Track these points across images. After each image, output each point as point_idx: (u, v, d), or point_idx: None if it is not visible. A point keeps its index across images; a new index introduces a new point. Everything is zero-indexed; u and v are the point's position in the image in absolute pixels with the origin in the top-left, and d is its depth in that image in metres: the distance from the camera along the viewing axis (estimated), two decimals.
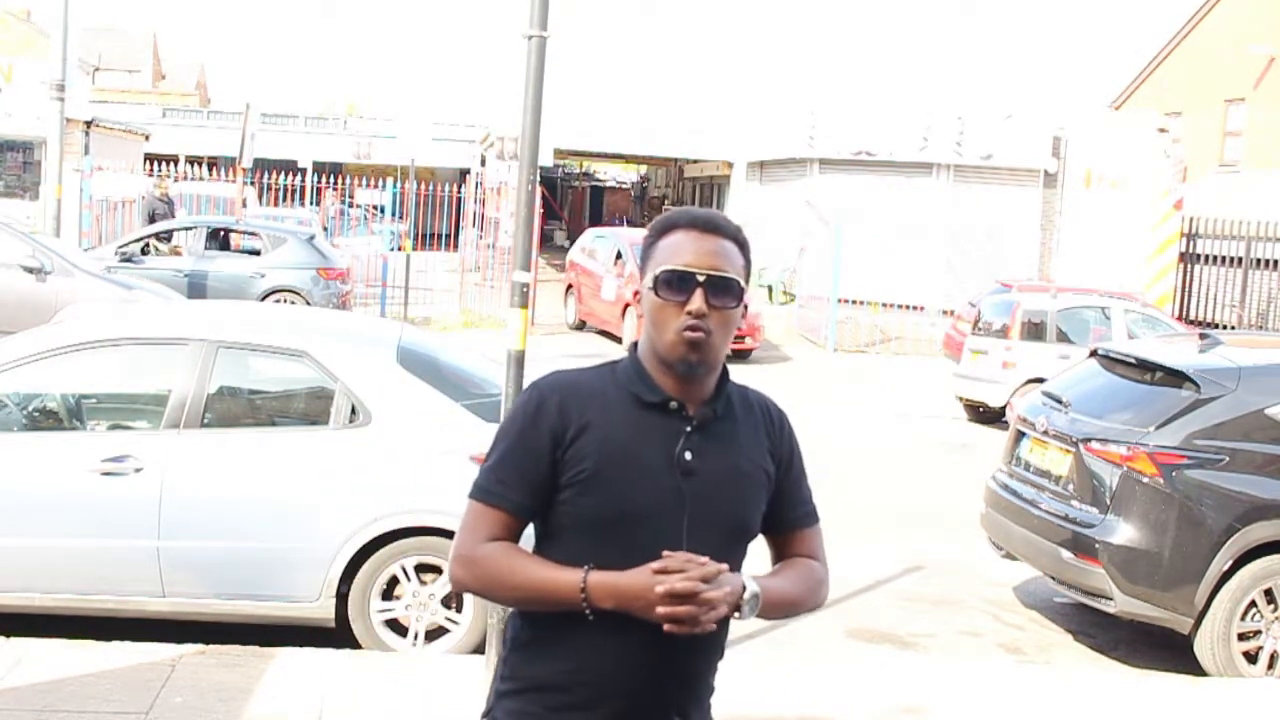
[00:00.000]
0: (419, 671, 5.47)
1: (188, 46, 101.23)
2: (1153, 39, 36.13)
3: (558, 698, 2.21)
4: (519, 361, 5.00)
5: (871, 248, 23.67)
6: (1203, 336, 7.59)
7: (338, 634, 5.78)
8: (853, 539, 8.94)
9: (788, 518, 2.40)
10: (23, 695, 4.84)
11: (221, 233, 17.45)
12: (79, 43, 21.67)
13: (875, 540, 8.92)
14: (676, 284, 2.22)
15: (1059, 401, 7.19)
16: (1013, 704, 5.71)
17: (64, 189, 17.85)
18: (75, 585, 5.62)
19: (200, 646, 5.47)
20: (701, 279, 2.22)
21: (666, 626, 2.09)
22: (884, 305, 22.54)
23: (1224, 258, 21.64)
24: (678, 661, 2.21)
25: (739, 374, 2.42)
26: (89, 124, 23.59)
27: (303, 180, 27.52)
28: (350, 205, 30.38)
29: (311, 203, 28.10)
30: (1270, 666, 6.37)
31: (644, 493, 2.19)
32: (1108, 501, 6.48)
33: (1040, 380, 10.54)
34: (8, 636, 5.42)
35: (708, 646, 2.25)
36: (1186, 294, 22.57)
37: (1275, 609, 6.38)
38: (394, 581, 5.78)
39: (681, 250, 2.25)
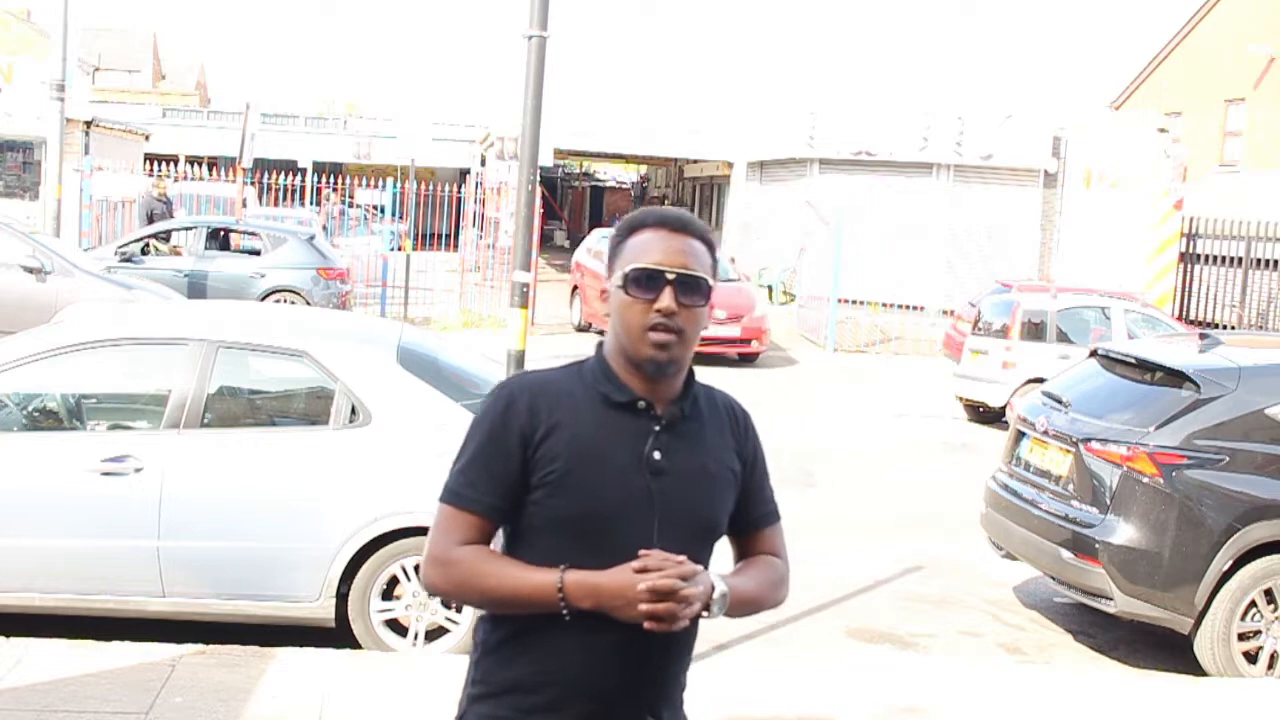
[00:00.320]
0: (419, 671, 5.46)
1: (188, 46, 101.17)
2: (1153, 39, 36.17)
3: (530, 700, 2.21)
4: (519, 361, 5.02)
5: (871, 248, 23.68)
6: (1203, 336, 7.58)
7: (338, 634, 5.78)
8: (853, 539, 8.95)
9: (752, 517, 2.42)
10: (23, 695, 4.83)
11: (221, 233, 17.45)
12: (79, 43, 21.69)
13: (875, 540, 8.92)
14: (646, 282, 2.22)
15: (1059, 401, 7.19)
16: (1013, 704, 5.71)
17: (64, 189, 17.87)
18: (75, 585, 5.62)
19: (200, 646, 5.47)
20: (671, 277, 2.22)
21: (646, 624, 2.10)
22: (884, 305, 22.53)
23: (1224, 258, 21.62)
24: (651, 661, 2.22)
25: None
26: (89, 124, 23.58)
27: (303, 180, 27.52)
28: (350, 205, 30.38)
29: (311, 202, 28.08)
30: (1270, 666, 6.36)
31: (614, 492, 2.20)
32: (1108, 501, 6.48)
33: (1040, 380, 10.54)
34: (8, 636, 5.42)
35: (679, 645, 2.27)
36: (1186, 294, 22.55)
37: (1275, 609, 6.37)
38: (394, 581, 5.78)
39: (650, 249, 2.24)
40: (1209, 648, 6.33)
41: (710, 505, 2.31)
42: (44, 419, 6.15)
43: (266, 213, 25.03)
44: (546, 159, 29.10)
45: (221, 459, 5.74)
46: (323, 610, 5.71)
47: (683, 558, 2.14)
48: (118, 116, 31.16)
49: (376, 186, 27.39)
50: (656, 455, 2.23)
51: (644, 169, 49.51)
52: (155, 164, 23.33)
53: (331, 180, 29.00)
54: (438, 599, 5.78)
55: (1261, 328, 20.29)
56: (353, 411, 5.81)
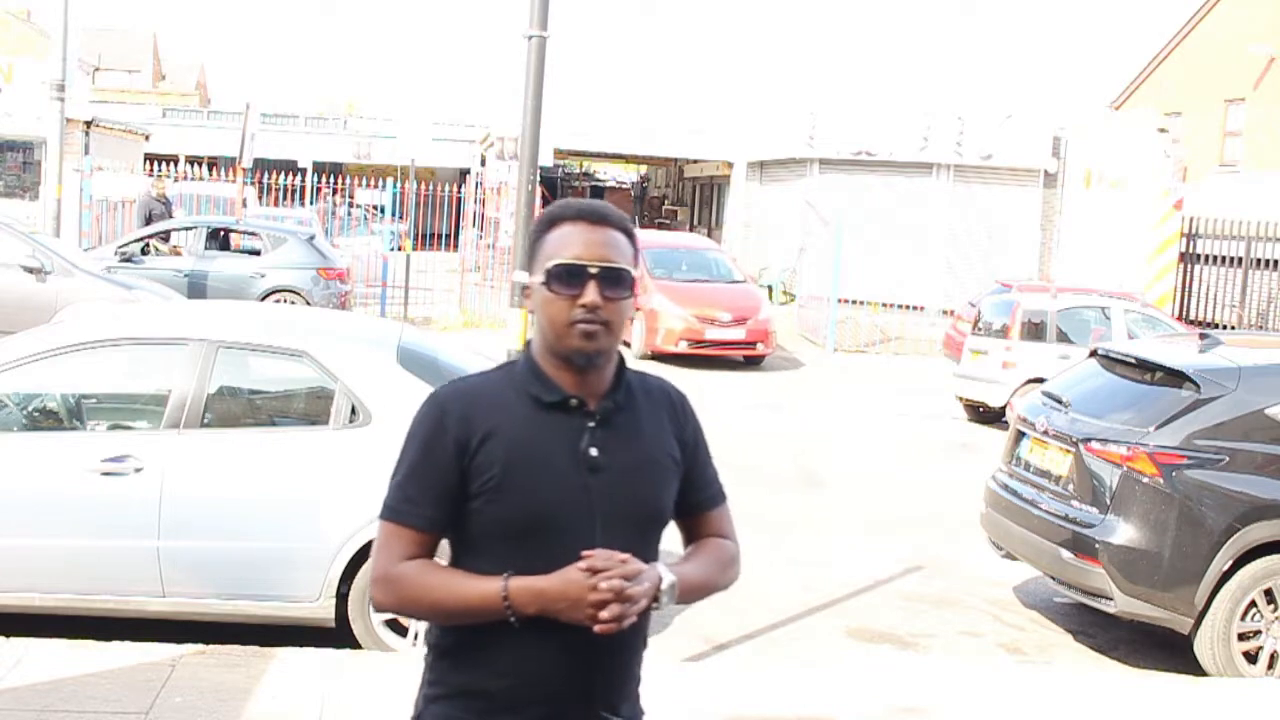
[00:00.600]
0: (419, 671, 5.45)
1: (188, 46, 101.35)
2: (1153, 39, 36.15)
3: (485, 702, 2.23)
4: None
5: (871, 247, 23.69)
6: (1203, 336, 7.59)
7: (338, 634, 5.78)
8: (853, 539, 8.95)
9: (696, 500, 2.40)
10: (23, 695, 4.83)
11: (221, 233, 17.44)
12: (79, 43, 21.68)
13: (875, 540, 8.92)
14: (568, 277, 2.20)
15: (1059, 401, 7.18)
16: (1013, 704, 5.71)
17: (64, 189, 17.86)
18: (75, 585, 5.62)
19: (200, 646, 5.47)
20: (594, 271, 2.20)
21: (597, 626, 2.10)
22: (884, 305, 22.52)
23: (1224, 258, 21.62)
24: (602, 659, 2.22)
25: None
26: (89, 124, 23.57)
27: (303, 180, 27.52)
28: (350, 205, 30.38)
29: (312, 202, 28.07)
30: (1270, 666, 6.36)
31: (553, 493, 2.19)
32: (1108, 501, 6.48)
33: (1040, 380, 10.54)
34: (8, 636, 5.42)
35: (630, 641, 2.26)
36: (1186, 294, 22.55)
37: (1275, 609, 6.37)
38: None
39: (571, 243, 2.22)
40: (1209, 648, 6.33)
41: (652, 496, 2.30)
42: (44, 419, 6.15)
43: (266, 213, 25.03)
44: (546, 159, 29.07)
45: (221, 459, 5.73)
46: (323, 610, 5.71)
47: (627, 556, 2.13)
48: (118, 116, 31.15)
49: (376, 186, 27.41)
50: (593, 452, 2.22)
51: (644, 169, 49.50)
52: (155, 164, 23.33)
53: (331, 180, 29.01)
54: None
55: (1261, 328, 20.29)
56: (353, 411, 5.81)
